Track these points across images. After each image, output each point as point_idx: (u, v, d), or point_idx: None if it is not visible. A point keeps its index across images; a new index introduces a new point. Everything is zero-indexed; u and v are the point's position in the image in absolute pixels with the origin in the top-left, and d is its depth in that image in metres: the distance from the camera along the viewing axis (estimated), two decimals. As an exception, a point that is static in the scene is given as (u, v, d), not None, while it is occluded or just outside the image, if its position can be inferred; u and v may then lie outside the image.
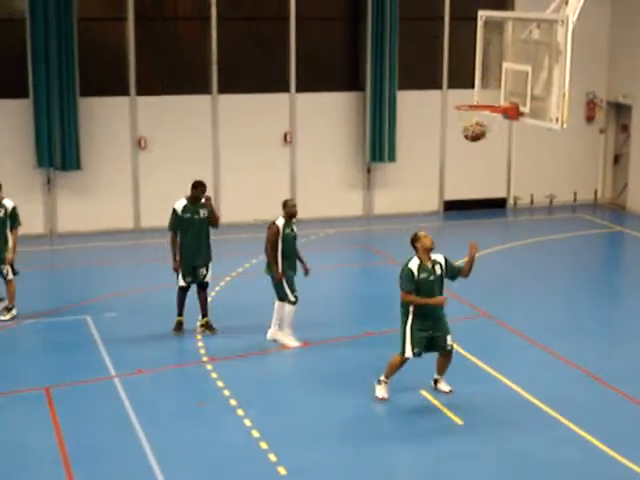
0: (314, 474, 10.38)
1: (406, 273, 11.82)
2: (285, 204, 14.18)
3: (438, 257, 12.08)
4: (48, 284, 18.25)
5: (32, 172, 20.69)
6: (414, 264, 11.86)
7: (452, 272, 12.15)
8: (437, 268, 11.98)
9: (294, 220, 14.22)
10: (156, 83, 21.56)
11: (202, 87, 21.65)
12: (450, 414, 11.73)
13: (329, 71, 22.84)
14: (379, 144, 22.40)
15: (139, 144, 21.36)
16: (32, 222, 20.73)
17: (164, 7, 21.90)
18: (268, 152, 22.19)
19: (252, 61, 22.18)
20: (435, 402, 12.09)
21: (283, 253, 14.00)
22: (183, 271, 14.42)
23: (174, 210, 14.55)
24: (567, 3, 12.60)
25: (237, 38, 21.99)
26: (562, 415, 11.69)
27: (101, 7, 21.86)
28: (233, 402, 12.11)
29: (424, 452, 10.89)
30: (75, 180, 20.91)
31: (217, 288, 16.78)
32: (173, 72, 21.74)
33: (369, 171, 22.93)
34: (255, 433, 11.22)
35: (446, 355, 12.23)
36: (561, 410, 11.80)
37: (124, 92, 21.19)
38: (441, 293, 12.04)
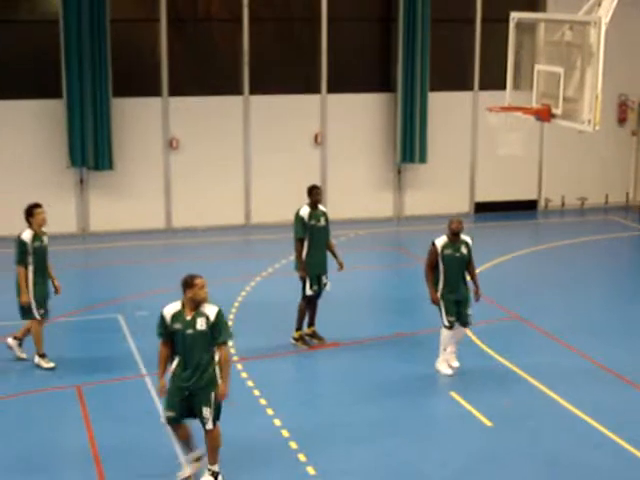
0: (343, 474, 10.38)
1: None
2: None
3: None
4: (80, 283, 18.37)
5: (65, 172, 20.85)
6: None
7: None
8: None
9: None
10: (188, 84, 21.66)
11: (234, 88, 21.74)
12: (480, 416, 11.71)
13: (360, 72, 22.85)
14: (410, 145, 22.39)
15: (171, 144, 21.48)
16: (65, 221, 20.96)
17: (197, 8, 21.98)
18: (298, 153, 22.24)
19: (283, 62, 22.24)
20: (464, 403, 12.07)
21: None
22: (310, 280, 13.91)
23: (301, 217, 13.82)
24: (600, 5, 12.55)
25: (269, 39, 22.07)
26: (594, 419, 11.63)
27: (134, 8, 21.98)
28: (263, 402, 12.15)
29: (453, 453, 10.87)
30: (107, 180, 21.06)
31: (247, 288, 16.85)
32: (205, 73, 21.84)
33: (400, 172, 22.92)
34: (285, 433, 11.26)
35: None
36: (593, 413, 11.74)
37: (156, 93, 21.32)
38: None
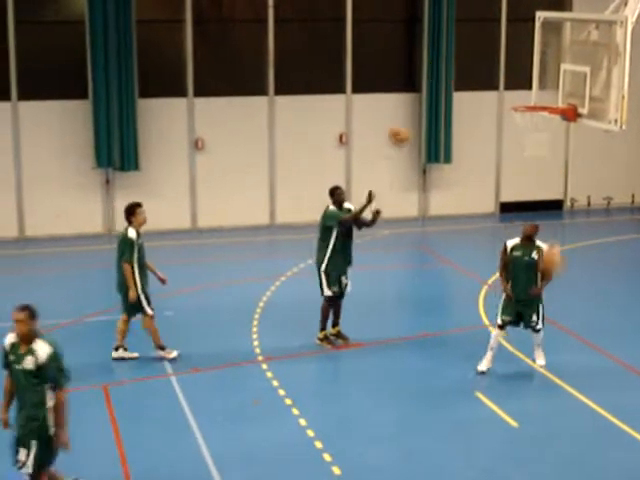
0: (368, 474, 10.39)
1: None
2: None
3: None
4: (107, 282, 18.38)
5: (91, 172, 20.96)
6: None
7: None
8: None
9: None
10: (213, 84, 21.73)
11: (259, 88, 21.78)
12: (505, 416, 11.69)
13: (385, 72, 22.84)
14: (435, 145, 22.36)
15: (196, 145, 21.55)
16: (91, 221, 21.09)
17: (222, 9, 22.04)
18: (323, 153, 22.25)
19: (308, 62, 22.27)
20: (490, 404, 12.04)
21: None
22: (330, 280, 13.93)
23: (336, 214, 13.90)
24: (626, 4, 12.50)
25: (294, 40, 22.10)
26: (621, 420, 11.57)
27: (159, 9, 22.07)
28: (288, 401, 12.17)
29: (479, 454, 10.85)
30: (133, 180, 21.15)
31: (272, 288, 16.88)
32: (230, 73, 21.89)
33: (425, 172, 22.90)
34: (310, 432, 11.27)
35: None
36: (620, 414, 11.69)
37: (182, 93, 21.40)
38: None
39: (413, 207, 23.00)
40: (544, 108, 13.61)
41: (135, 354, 13.61)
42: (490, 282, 17.22)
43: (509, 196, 23.52)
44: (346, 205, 14.06)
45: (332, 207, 13.95)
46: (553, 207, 23.85)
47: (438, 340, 14.48)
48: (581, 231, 22.36)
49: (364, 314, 15.62)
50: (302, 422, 11.55)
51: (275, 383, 12.77)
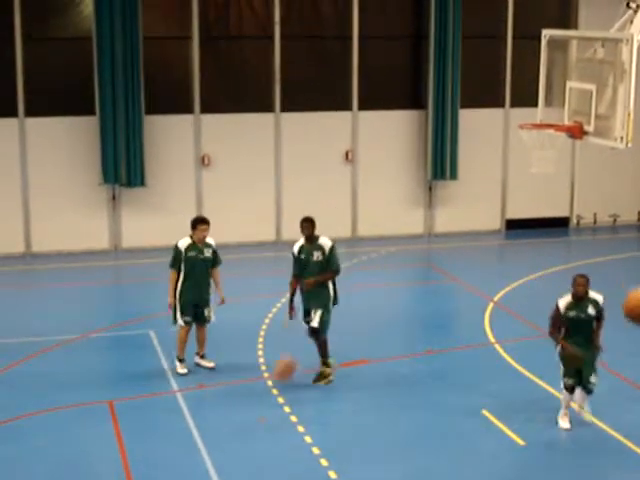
0: (374, 492, 10.38)
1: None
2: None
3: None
4: (113, 298, 18.51)
5: (98, 188, 21.00)
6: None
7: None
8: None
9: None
10: (220, 101, 21.79)
11: (265, 105, 21.83)
12: (511, 434, 11.66)
13: (391, 89, 22.87)
14: (441, 162, 22.38)
15: (203, 161, 21.59)
16: (97, 237, 21.13)
17: (228, 26, 22.11)
18: (329, 170, 22.28)
19: (315, 79, 22.33)
20: (496, 422, 12.01)
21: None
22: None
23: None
24: (632, 22, 12.52)
25: (300, 56, 22.16)
26: (629, 439, 11.53)
27: (166, 26, 22.13)
28: (294, 419, 12.15)
29: (486, 473, 10.82)
30: (140, 196, 21.19)
31: (278, 304, 16.86)
32: (237, 90, 21.94)
33: (431, 189, 22.91)
34: (315, 450, 11.25)
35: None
36: (628, 434, 11.65)
37: (188, 110, 21.45)
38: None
39: (419, 224, 23.00)
40: (550, 126, 13.61)
41: (185, 370, 13.76)
42: (496, 299, 17.22)
43: (515, 213, 23.52)
44: (321, 241, 13.29)
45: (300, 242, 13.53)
46: (559, 224, 23.84)
47: (444, 357, 14.46)
48: (587, 248, 22.33)
49: (369, 331, 15.61)
50: (308, 439, 11.53)
51: (281, 400, 12.75)
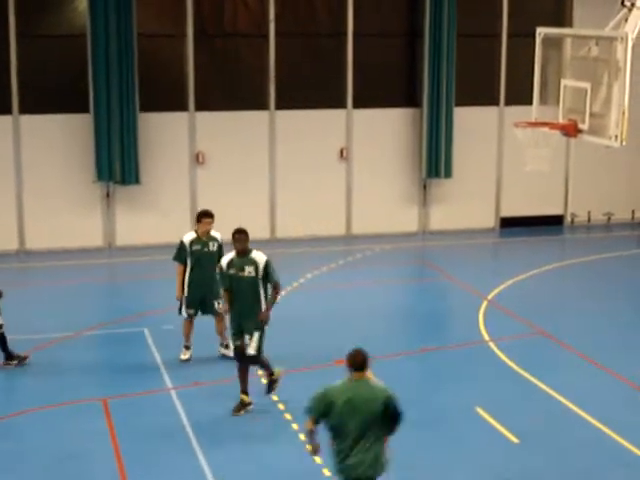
0: (368, 489, 10.35)
1: None
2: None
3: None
4: (107, 296, 18.49)
5: (92, 186, 20.97)
6: None
7: None
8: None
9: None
10: (214, 99, 21.76)
11: (260, 103, 21.81)
12: (506, 432, 11.67)
13: (386, 87, 22.86)
14: (435, 160, 22.38)
15: (197, 159, 21.57)
16: (92, 235, 21.10)
17: (223, 24, 22.08)
18: (324, 168, 22.27)
19: (309, 77, 22.31)
20: (491, 420, 12.02)
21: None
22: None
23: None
24: (626, 20, 12.53)
25: (295, 54, 22.15)
26: (622, 436, 11.55)
27: (161, 23, 22.10)
28: (288, 416, 12.15)
29: (480, 470, 10.83)
30: (134, 194, 21.16)
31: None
32: (231, 88, 21.93)
33: (425, 187, 22.91)
34: (309, 447, 11.23)
35: None
36: (621, 431, 11.67)
37: (183, 107, 21.43)
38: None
39: (413, 222, 23.00)
40: (545, 124, 13.62)
41: (187, 356, 14.06)
42: (490, 297, 17.23)
43: (509, 211, 23.53)
44: (254, 255, 12.20)
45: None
46: (553, 222, 23.86)
47: (438, 355, 14.46)
48: (581, 247, 22.37)
49: (364, 328, 15.60)
50: (302, 437, 11.53)
51: (275, 398, 12.75)
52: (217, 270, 12.63)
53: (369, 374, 8.95)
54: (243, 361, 12.37)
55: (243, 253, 12.20)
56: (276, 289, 12.28)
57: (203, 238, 13.82)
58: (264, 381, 12.81)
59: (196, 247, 13.77)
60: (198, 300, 13.90)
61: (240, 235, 12.21)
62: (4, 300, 13.64)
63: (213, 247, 13.84)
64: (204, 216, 13.91)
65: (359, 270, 19.62)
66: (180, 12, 21.20)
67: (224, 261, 12.37)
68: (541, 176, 22.39)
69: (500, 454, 11.18)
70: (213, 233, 13.94)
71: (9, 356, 13.80)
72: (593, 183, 23.75)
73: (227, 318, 12.84)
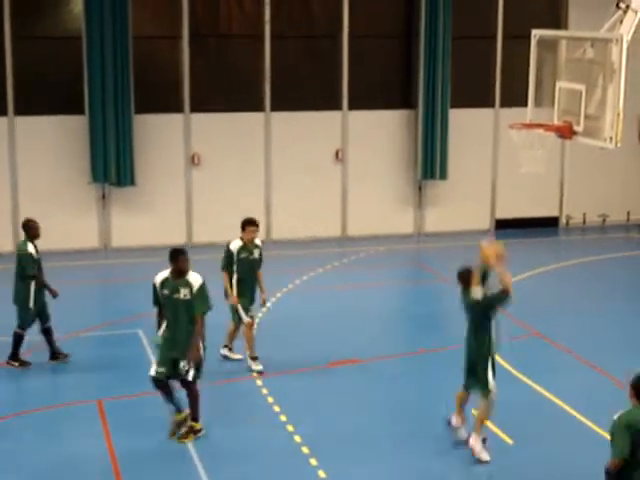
0: (363, 491, 10.39)
1: None
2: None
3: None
4: (102, 298, 18.48)
5: (87, 187, 20.96)
6: None
7: None
8: None
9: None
10: (210, 100, 21.77)
11: (255, 104, 21.81)
12: (501, 433, 11.67)
13: (381, 89, 22.89)
14: (430, 162, 22.40)
15: (192, 160, 21.57)
16: (87, 237, 21.08)
17: (218, 25, 22.10)
18: (319, 169, 22.27)
19: (305, 79, 22.33)
20: (485, 422, 12.01)
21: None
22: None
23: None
24: (621, 22, 12.55)
25: (290, 56, 22.16)
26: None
27: (156, 25, 22.11)
28: (283, 418, 12.15)
29: (474, 471, 10.84)
30: (129, 196, 21.15)
31: (269, 304, 16.84)
32: (227, 89, 21.94)
33: (420, 189, 22.92)
34: (305, 449, 11.25)
35: None
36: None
37: (178, 109, 21.43)
38: None
39: (409, 223, 23.01)
40: (540, 125, 13.63)
41: (260, 367, 13.87)
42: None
43: (505, 213, 23.55)
44: (190, 277, 11.43)
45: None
46: (548, 224, 23.88)
47: (434, 357, 14.46)
48: (576, 248, 22.39)
49: (359, 330, 15.61)
50: (297, 439, 11.53)
51: (270, 399, 12.75)
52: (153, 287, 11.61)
53: None
54: (161, 387, 11.43)
55: (180, 274, 11.35)
56: (202, 320, 11.31)
57: (249, 245, 13.98)
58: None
59: (243, 255, 13.90)
60: (249, 305, 14.01)
61: (184, 256, 11.38)
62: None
63: (256, 254, 14.05)
64: (248, 224, 14.03)
65: (354, 272, 19.62)
66: (175, 14, 21.20)
67: (158, 279, 11.49)
68: (536, 178, 22.43)
69: (495, 456, 11.17)
70: (256, 241, 14.16)
71: (54, 354, 14.15)
72: (588, 185, 23.77)
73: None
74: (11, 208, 20.77)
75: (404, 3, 22.69)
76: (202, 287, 11.29)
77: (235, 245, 13.96)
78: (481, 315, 11.03)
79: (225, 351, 14.31)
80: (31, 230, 14.47)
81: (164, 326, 11.56)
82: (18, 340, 13.96)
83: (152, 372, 11.42)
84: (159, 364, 11.40)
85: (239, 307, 13.89)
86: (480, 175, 23.27)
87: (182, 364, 11.29)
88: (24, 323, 14.03)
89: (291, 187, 22.03)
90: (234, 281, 13.91)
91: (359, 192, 22.48)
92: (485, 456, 11.03)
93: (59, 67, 21.04)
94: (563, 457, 11.17)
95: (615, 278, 19.42)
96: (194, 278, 11.35)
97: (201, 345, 11.39)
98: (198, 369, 11.44)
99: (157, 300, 11.65)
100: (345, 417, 12.34)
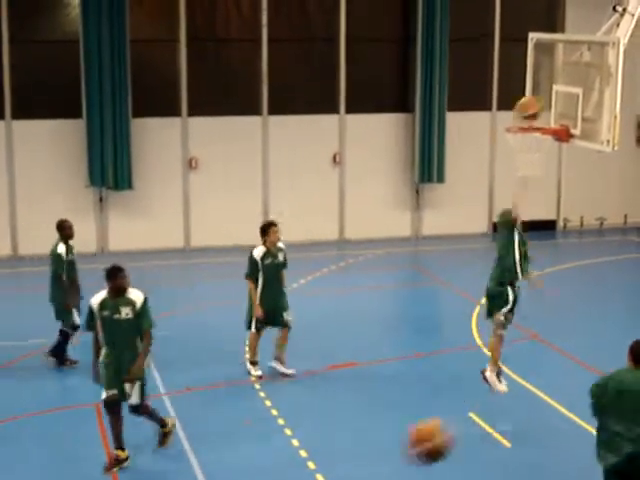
0: (361, 494, 10.38)
1: None
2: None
3: None
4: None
5: (84, 191, 20.97)
6: None
7: None
8: None
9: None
10: (207, 104, 21.78)
11: (253, 108, 21.83)
12: (498, 437, 11.67)
13: (378, 92, 22.92)
14: (428, 165, 22.41)
15: (190, 164, 21.57)
16: (84, 240, 21.00)
17: (215, 29, 22.11)
18: (317, 173, 22.29)
19: (302, 82, 22.35)
20: (483, 424, 12.03)
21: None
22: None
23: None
24: (618, 25, 12.55)
25: (287, 59, 22.18)
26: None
27: (153, 29, 22.13)
28: (281, 421, 12.15)
29: (472, 474, 10.84)
30: (127, 199, 21.16)
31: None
32: (224, 93, 21.94)
33: (418, 192, 22.94)
34: (303, 453, 11.24)
35: None
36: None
37: (176, 113, 21.44)
38: None
39: (406, 227, 23.03)
40: (537, 129, 13.62)
41: (259, 372, 13.66)
42: (483, 302, 17.21)
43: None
44: (132, 295, 10.87)
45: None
46: (546, 227, 23.89)
47: (431, 360, 14.47)
48: (574, 251, 22.40)
49: (357, 333, 15.61)
50: (295, 442, 11.53)
51: (268, 403, 12.75)
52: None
53: None
54: (115, 412, 10.82)
55: (120, 292, 10.73)
56: (148, 337, 10.88)
57: (272, 250, 13.60)
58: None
59: (268, 261, 13.53)
60: (269, 313, 13.59)
61: (122, 273, 10.78)
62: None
63: (281, 257, 13.71)
64: (271, 226, 13.71)
65: (352, 275, 19.63)
66: (173, 17, 21.23)
67: (95, 301, 10.80)
68: (534, 181, 22.39)
69: (492, 458, 11.18)
70: (279, 244, 13.77)
71: (63, 358, 14.20)
72: (585, 188, 23.79)
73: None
74: (8, 212, 20.78)
75: (401, 7, 22.72)
76: (146, 302, 10.71)
77: (258, 252, 13.54)
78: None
79: (276, 364, 13.82)
80: (64, 230, 14.39)
81: (104, 352, 10.76)
82: (64, 339, 14.02)
83: (103, 396, 10.77)
84: (109, 387, 10.70)
85: (253, 316, 13.48)
86: (477, 178, 23.29)
87: (127, 387, 10.73)
88: (68, 320, 14.05)
89: (289, 190, 22.04)
90: (259, 289, 13.48)
91: (357, 195, 22.49)
92: (502, 387, 11.84)
93: (56, 70, 21.05)
94: (561, 459, 11.17)
95: (613, 281, 19.43)
96: (136, 295, 10.70)
97: (146, 362, 10.97)
98: (143, 387, 10.88)
99: (92, 324, 10.83)
100: (344, 421, 12.34)
